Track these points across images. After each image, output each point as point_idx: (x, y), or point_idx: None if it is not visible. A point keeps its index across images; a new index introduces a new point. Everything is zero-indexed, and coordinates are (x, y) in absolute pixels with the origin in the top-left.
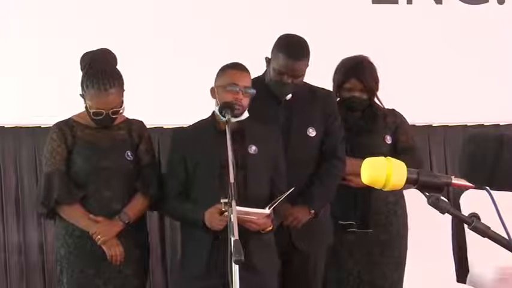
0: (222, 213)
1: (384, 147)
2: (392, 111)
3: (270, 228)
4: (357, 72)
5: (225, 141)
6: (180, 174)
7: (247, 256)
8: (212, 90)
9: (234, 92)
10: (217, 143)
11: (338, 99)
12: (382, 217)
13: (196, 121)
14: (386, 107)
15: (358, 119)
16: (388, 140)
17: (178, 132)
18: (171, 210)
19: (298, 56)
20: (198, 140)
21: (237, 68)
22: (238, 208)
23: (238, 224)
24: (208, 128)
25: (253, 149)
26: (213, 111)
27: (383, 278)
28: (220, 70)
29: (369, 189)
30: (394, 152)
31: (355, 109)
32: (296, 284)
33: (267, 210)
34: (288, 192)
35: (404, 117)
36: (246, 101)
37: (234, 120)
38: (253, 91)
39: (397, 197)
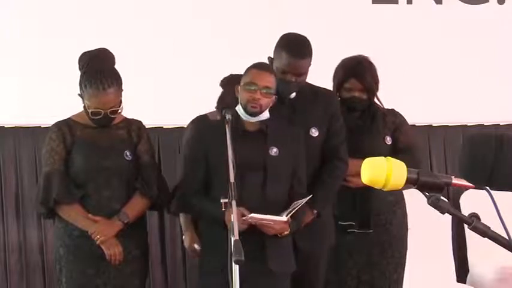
0: (242, 215)
1: (384, 148)
2: (392, 111)
3: (287, 232)
4: (357, 72)
5: (247, 142)
6: (200, 172)
7: (264, 259)
8: (236, 89)
9: (252, 91)
10: (239, 143)
11: (338, 99)
12: (382, 217)
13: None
14: (386, 107)
15: (357, 119)
16: (388, 140)
17: (201, 129)
18: (189, 206)
19: (301, 54)
20: (219, 139)
21: (258, 67)
22: (255, 215)
23: (256, 228)
24: (231, 128)
25: (274, 150)
26: (236, 111)
27: (382, 278)
28: (246, 69)
29: (368, 189)
30: (394, 152)
31: (355, 109)
32: (298, 284)
33: (284, 218)
34: (306, 200)
35: (404, 117)
36: (265, 101)
37: (254, 119)
38: (273, 91)
39: (397, 197)
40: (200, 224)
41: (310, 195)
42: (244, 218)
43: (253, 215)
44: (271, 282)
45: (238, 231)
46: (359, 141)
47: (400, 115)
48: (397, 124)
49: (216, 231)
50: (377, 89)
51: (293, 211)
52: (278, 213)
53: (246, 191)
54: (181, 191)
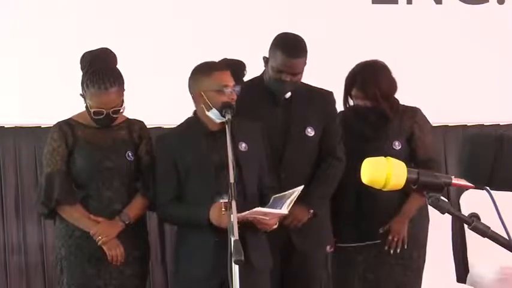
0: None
1: (391, 154)
2: (412, 111)
3: (275, 226)
4: (357, 81)
5: (216, 142)
6: (172, 179)
7: (245, 254)
8: (199, 95)
9: (228, 93)
10: (209, 145)
11: (334, 99)
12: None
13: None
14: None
15: (364, 125)
16: (397, 145)
17: (165, 138)
18: (168, 215)
19: (296, 53)
20: (188, 144)
21: (220, 68)
22: (260, 209)
23: (246, 223)
24: (195, 130)
25: (243, 146)
26: (195, 113)
27: (388, 279)
28: (202, 74)
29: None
30: (410, 160)
31: (364, 116)
32: (295, 284)
33: (285, 211)
34: (300, 190)
35: (424, 119)
36: (235, 99)
37: (219, 120)
38: (238, 87)
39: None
40: (177, 234)
41: (303, 186)
42: (248, 212)
43: (258, 208)
44: (253, 277)
45: (223, 228)
46: (365, 148)
47: (421, 117)
48: (413, 129)
49: (198, 236)
50: (384, 94)
51: (291, 203)
52: (254, 207)
53: (224, 189)
54: (158, 202)
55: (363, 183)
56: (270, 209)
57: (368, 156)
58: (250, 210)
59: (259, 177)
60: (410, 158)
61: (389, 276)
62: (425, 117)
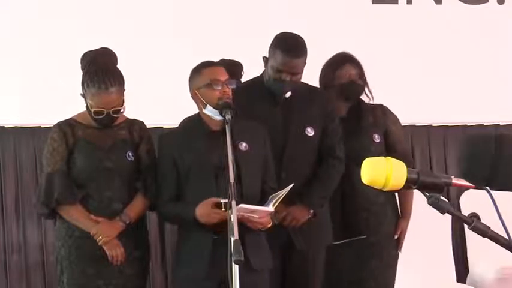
0: (216, 206)
1: (372, 147)
2: (381, 108)
3: (270, 225)
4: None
5: (217, 142)
6: (172, 178)
7: (244, 255)
8: (194, 94)
9: (219, 88)
10: (209, 145)
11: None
12: (371, 218)
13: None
14: (382, 103)
15: (346, 121)
16: (377, 138)
17: (166, 137)
18: (165, 214)
19: (296, 53)
20: (188, 143)
21: (211, 64)
22: (244, 206)
23: (240, 223)
24: (197, 130)
25: (243, 145)
26: (198, 113)
27: (371, 279)
28: (194, 72)
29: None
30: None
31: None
32: (295, 284)
33: (271, 208)
34: (288, 189)
35: (393, 116)
36: (230, 94)
37: (219, 118)
38: (233, 82)
39: (387, 197)
40: (178, 233)
41: (292, 185)
42: (222, 208)
43: (242, 205)
44: (252, 278)
45: (215, 222)
46: (348, 144)
47: (390, 113)
48: (387, 126)
49: (196, 235)
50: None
51: (278, 201)
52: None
53: (223, 189)
54: (157, 201)
55: (345, 180)
56: (255, 206)
57: (352, 151)
58: (237, 207)
59: (262, 177)
60: (386, 151)
61: (372, 276)
62: (393, 113)
